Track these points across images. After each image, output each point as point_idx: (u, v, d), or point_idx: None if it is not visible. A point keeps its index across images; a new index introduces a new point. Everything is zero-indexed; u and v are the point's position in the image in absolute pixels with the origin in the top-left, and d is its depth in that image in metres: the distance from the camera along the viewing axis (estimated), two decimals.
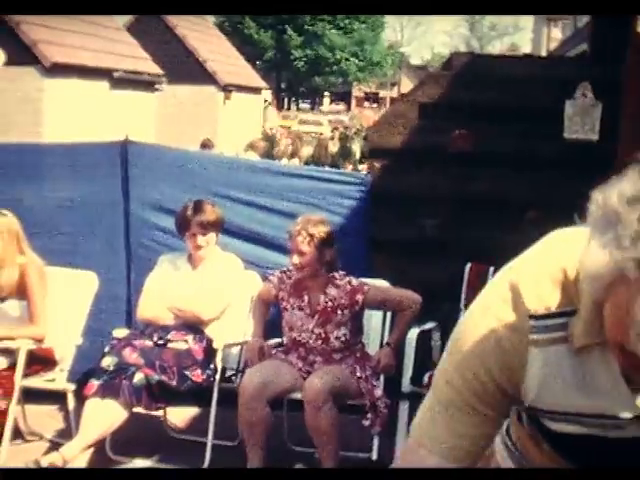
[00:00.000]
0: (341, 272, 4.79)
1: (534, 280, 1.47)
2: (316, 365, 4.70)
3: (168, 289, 5.12)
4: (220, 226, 5.19)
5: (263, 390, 4.49)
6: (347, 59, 53.10)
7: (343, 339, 4.75)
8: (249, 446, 4.57)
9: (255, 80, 34.91)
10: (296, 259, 4.68)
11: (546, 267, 1.48)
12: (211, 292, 5.04)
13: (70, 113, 18.15)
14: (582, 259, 1.31)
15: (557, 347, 1.47)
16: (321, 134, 26.24)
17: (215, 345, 4.94)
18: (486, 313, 1.52)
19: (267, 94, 39.07)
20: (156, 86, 24.44)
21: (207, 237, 5.09)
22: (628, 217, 1.22)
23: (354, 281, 4.75)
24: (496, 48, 74.87)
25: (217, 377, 4.88)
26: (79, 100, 18.71)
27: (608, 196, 1.27)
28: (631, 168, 1.29)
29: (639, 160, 1.30)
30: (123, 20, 27.29)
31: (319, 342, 4.74)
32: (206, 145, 14.88)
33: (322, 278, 4.75)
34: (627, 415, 1.48)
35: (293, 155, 15.40)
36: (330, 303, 4.73)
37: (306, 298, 4.78)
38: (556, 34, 32.04)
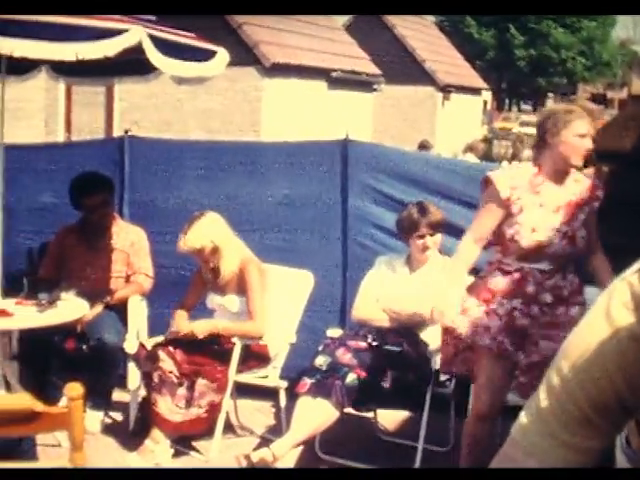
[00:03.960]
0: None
1: None
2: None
3: (385, 290, 5.07)
4: (444, 227, 5.12)
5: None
6: (573, 58, 51.75)
7: (584, 242, 4.20)
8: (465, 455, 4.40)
9: (475, 80, 34.57)
10: None
11: None
12: (428, 296, 4.94)
13: (287, 112, 18.51)
14: None
15: None
16: None
17: (430, 349, 4.85)
18: (607, 320, 1.45)
19: (487, 95, 38.60)
20: (374, 86, 24.58)
21: (435, 238, 5.02)
22: None
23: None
24: None
25: (430, 381, 4.80)
26: (296, 100, 19.06)
27: None
28: None
29: None
30: (342, 20, 27.62)
31: (564, 242, 4.15)
32: (424, 146, 14.84)
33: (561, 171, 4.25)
34: None
35: (513, 158, 15.05)
36: (573, 197, 4.21)
37: (544, 191, 4.19)
38: None
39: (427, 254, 5.04)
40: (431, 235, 5.00)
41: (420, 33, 32.49)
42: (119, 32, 4.20)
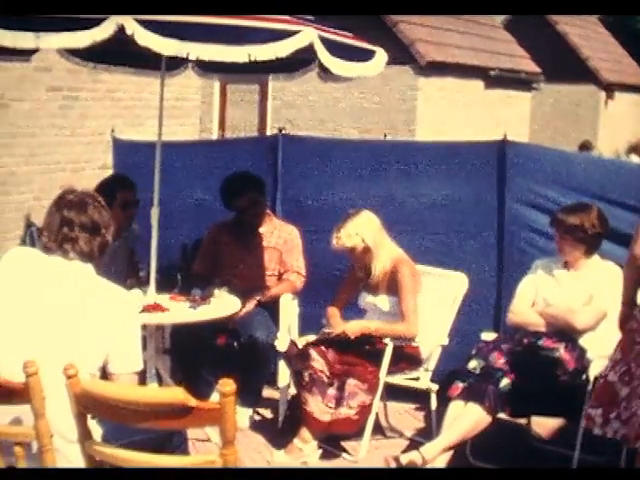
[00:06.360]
0: None
1: None
2: None
3: (541, 294, 4.94)
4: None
5: None
6: None
7: None
8: None
9: None
10: None
11: None
12: (587, 301, 4.79)
13: (443, 112, 18.31)
14: None
15: None
16: None
17: (588, 356, 4.69)
18: None
19: None
20: (533, 85, 24.07)
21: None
22: None
23: None
24: None
25: (588, 389, 4.59)
26: (452, 99, 18.83)
27: None
28: None
29: None
30: (501, 17, 27.15)
31: None
32: (585, 147, 14.47)
33: None
34: None
35: None
36: None
37: None
38: None
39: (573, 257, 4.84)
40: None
41: (583, 30, 31.58)
42: (291, 33, 4.21)
